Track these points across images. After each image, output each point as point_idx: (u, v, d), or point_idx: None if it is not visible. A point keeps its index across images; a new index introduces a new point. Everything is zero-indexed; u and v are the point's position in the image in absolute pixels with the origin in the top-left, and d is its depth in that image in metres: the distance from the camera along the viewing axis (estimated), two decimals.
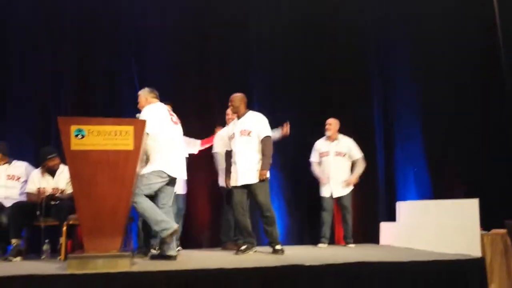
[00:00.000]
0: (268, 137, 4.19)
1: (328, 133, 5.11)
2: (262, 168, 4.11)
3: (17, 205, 4.08)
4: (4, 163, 4.40)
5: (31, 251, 4.22)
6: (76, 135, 3.24)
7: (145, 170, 3.60)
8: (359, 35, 6.06)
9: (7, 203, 4.17)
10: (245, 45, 5.86)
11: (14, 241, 3.88)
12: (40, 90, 5.33)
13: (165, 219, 3.52)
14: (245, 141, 4.18)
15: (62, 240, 3.92)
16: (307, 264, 3.14)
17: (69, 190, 4.18)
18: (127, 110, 4.88)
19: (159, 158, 3.61)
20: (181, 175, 3.84)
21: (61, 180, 4.30)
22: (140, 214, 3.60)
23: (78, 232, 3.98)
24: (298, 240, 5.48)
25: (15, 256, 3.80)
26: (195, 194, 5.31)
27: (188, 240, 5.05)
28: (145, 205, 3.51)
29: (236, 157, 4.20)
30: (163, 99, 3.95)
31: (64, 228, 3.95)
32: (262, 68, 5.85)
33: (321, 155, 5.15)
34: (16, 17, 5.36)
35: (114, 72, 5.54)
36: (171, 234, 3.50)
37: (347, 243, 5.01)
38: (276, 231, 4.19)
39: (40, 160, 4.34)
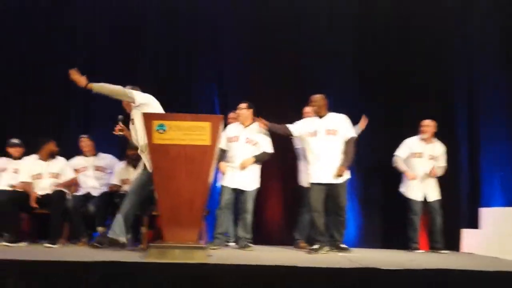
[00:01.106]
0: (353, 137, 4.28)
1: (425, 135, 4.91)
2: (342, 164, 4.15)
3: (103, 195, 4.35)
4: (92, 155, 4.72)
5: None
6: (158, 130, 3.39)
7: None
8: (441, 31, 5.72)
9: (94, 193, 4.49)
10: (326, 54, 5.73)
11: (100, 229, 4.16)
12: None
13: (122, 230, 3.70)
14: (331, 140, 4.23)
15: (144, 230, 4.14)
16: (384, 268, 3.03)
17: None
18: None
19: None
20: None
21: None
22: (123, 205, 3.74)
23: (158, 223, 4.17)
24: (371, 243, 5.31)
25: (100, 243, 4.06)
26: (269, 190, 5.33)
27: (261, 236, 5.09)
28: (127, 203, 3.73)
29: (320, 155, 4.23)
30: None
31: (146, 219, 4.17)
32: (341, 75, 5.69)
33: (413, 155, 4.93)
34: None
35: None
36: (111, 241, 3.71)
37: (437, 248, 4.75)
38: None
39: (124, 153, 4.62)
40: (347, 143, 4.25)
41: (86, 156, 4.73)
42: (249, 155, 4.35)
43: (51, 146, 4.54)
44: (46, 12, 5.77)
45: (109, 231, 3.78)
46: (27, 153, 4.68)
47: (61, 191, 4.37)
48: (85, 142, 4.72)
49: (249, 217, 4.34)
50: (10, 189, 4.48)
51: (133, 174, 4.54)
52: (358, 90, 5.65)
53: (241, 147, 4.37)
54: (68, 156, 4.74)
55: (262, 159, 4.42)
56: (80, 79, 3.57)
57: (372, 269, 3.03)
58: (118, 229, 3.70)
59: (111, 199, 4.32)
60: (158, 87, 5.49)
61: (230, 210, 4.49)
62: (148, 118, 3.41)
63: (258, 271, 2.96)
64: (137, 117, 3.69)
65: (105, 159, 4.78)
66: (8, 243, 3.96)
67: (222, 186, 4.40)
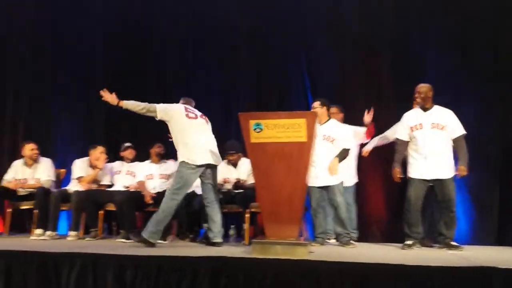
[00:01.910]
0: (464, 135, 4.06)
1: None
2: (461, 164, 3.98)
3: None
4: None
5: None
6: (255, 129, 3.46)
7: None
8: None
9: (199, 191, 4.71)
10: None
11: (205, 225, 4.36)
12: (222, 91, 5.86)
13: (159, 233, 3.86)
14: (438, 135, 4.04)
15: (246, 226, 4.27)
16: (502, 266, 2.78)
17: (250, 180, 4.50)
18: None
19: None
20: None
21: (243, 171, 4.67)
22: (160, 207, 3.87)
23: (259, 219, 4.27)
24: (483, 240, 4.87)
25: (206, 239, 4.26)
26: (374, 183, 5.18)
27: (366, 232, 4.97)
28: (165, 205, 3.86)
29: (425, 150, 4.05)
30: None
31: (247, 215, 4.30)
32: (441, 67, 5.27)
33: None
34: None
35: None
36: (147, 244, 3.79)
37: None
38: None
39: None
40: (458, 141, 4.04)
41: None
42: (326, 153, 4.23)
43: (157, 149, 4.85)
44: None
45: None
46: (138, 156, 5.07)
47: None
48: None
49: (342, 212, 4.23)
50: (125, 189, 4.89)
51: (234, 173, 4.70)
52: None
53: (318, 145, 4.27)
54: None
55: (344, 157, 4.28)
56: (112, 98, 3.93)
57: (489, 268, 2.80)
58: (151, 229, 3.86)
59: None
60: (255, 80, 5.70)
61: (324, 208, 4.43)
62: (245, 118, 3.50)
63: (361, 269, 2.90)
64: (170, 128, 4.04)
65: None
66: (125, 240, 4.32)
67: (309, 187, 4.35)
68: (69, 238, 4.56)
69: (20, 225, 5.22)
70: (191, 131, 3.98)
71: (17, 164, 5.08)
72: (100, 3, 6.18)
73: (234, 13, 5.88)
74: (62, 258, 3.26)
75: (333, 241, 4.56)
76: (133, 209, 4.52)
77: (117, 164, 5.15)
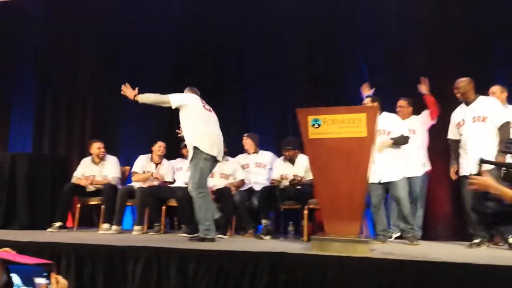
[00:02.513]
0: (507, 123, 3.80)
1: None
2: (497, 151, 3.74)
3: (266, 190, 4.58)
4: (254, 152, 5.02)
5: (278, 231, 4.68)
6: (313, 125, 3.43)
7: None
8: None
9: (257, 188, 4.76)
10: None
11: (264, 221, 4.39)
12: (278, 87, 5.85)
13: (211, 227, 3.83)
14: (480, 128, 3.86)
15: (304, 222, 4.26)
16: None
17: (308, 177, 4.48)
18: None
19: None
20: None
21: (300, 168, 4.65)
22: (195, 207, 3.86)
23: (317, 216, 4.24)
24: None
25: (265, 235, 4.28)
26: (440, 181, 4.97)
27: (432, 230, 4.79)
28: (198, 203, 3.87)
29: (468, 146, 3.90)
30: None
31: (306, 212, 4.28)
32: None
33: None
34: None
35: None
36: (207, 239, 3.78)
37: None
38: None
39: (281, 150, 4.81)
40: (501, 129, 3.80)
41: (248, 153, 5.04)
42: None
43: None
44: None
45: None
46: None
47: (229, 188, 4.72)
48: (246, 140, 5.03)
49: (405, 208, 4.07)
50: (186, 186, 5.02)
51: (291, 170, 4.69)
52: None
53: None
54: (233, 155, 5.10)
55: (401, 142, 4.12)
56: (130, 93, 3.96)
57: None
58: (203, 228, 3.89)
59: (272, 193, 4.52)
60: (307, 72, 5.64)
61: (384, 205, 4.30)
62: (303, 114, 3.47)
63: (425, 267, 2.79)
64: (181, 118, 3.99)
65: (265, 156, 5.03)
66: (186, 234, 4.44)
67: (370, 184, 4.23)
68: (134, 233, 4.75)
69: (88, 219, 5.51)
70: (208, 123, 3.98)
71: (86, 162, 5.36)
72: (162, 4, 6.35)
73: (291, 10, 5.85)
74: (128, 251, 3.41)
75: (396, 237, 4.41)
76: (193, 204, 4.62)
77: (178, 161, 5.31)
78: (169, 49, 6.24)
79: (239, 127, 5.61)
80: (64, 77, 6.56)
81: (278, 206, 4.57)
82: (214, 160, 3.93)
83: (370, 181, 3.95)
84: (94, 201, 5.16)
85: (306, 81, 5.73)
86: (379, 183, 4.13)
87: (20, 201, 4.96)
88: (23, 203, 4.95)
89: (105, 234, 4.66)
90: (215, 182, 4.82)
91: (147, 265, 3.30)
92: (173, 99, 3.93)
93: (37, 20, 6.74)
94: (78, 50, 6.59)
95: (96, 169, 5.27)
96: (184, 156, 5.23)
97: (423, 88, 4.51)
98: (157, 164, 5.22)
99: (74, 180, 5.23)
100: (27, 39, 6.76)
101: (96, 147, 5.27)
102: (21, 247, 3.60)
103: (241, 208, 4.55)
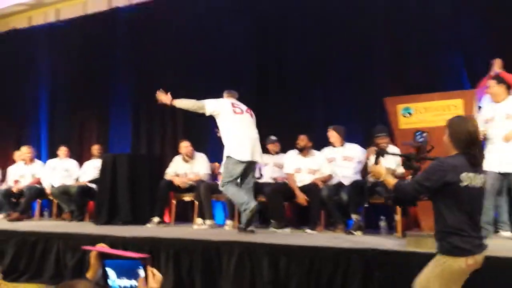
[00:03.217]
0: None
1: None
2: None
3: (355, 184, 4.45)
4: (340, 145, 4.89)
5: (368, 226, 4.54)
6: (403, 114, 3.27)
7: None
8: None
9: (345, 182, 4.64)
10: None
11: (354, 216, 4.28)
12: (360, 74, 5.64)
13: (246, 200, 4.05)
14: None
15: (398, 217, 4.08)
16: None
17: (399, 169, 4.27)
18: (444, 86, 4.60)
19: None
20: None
21: (391, 160, 4.43)
22: (231, 199, 4.25)
23: (411, 210, 4.04)
24: None
25: (356, 230, 4.17)
26: None
27: None
28: (230, 191, 4.14)
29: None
30: None
31: (399, 206, 4.09)
32: None
33: None
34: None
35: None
36: (251, 212, 3.99)
37: None
38: None
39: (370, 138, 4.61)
40: None
41: (334, 146, 4.93)
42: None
43: (301, 142, 4.88)
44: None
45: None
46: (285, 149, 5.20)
47: (315, 183, 4.66)
48: (331, 133, 4.92)
49: None
50: (273, 181, 5.07)
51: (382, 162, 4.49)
52: None
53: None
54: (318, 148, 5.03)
55: None
56: (166, 98, 4.22)
57: None
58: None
59: (362, 187, 4.39)
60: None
61: (494, 196, 3.94)
62: (392, 103, 3.33)
63: None
64: (217, 122, 4.29)
65: (353, 149, 4.88)
66: (276, 229, 4.48)
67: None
68: (226, 227, 4.90)
69: (184, 214, 5.78)
70: (237, 127, 4.18)
71: (177, 160, 5.62)
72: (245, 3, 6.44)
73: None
74: (222, 246, 3.53)
75: (507, 233, 4.05)
76: (281, 200, 4.66)
77: (264, 157, 5.35)
78: (251, 48, 6.29)
79: (323, 120, 5.52)
80: (154, 82, 6.89)
81: (368, 201, 4.42)
82: (247, 163, 4.19)
83: (488, 168, 3.66)
84: (187, 197, 5.41)
85: (392, 66, 5.45)
86: (498, 173, 3.80)
87: (122, 199, 5.34)
88: (124, 200, 5.33)
89: (199, 229, 4.85)
90: (302, 177, 4.79)
91: (240, 260, 3.39)
92: (207, 107, 4.20)
93: (126, 29, 7.19)
94: (166, 56, 6.88)
95: (187, 167, 5.51)
96: (270, 152, 5.28)
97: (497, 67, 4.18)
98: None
99: (167, 176, 5.49)
100: (119, 48, 7.24)
101: (184, 146, 5.51)
102: (124, 242, 3.90)
103: (329, 203, 4.48)
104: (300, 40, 6.00)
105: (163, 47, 6.89)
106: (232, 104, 4.28)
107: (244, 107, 4.37)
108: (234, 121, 4.20)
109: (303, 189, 4.65)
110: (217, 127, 4.38)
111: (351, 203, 4.35)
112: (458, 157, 2.17)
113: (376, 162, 2.59)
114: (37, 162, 6.67)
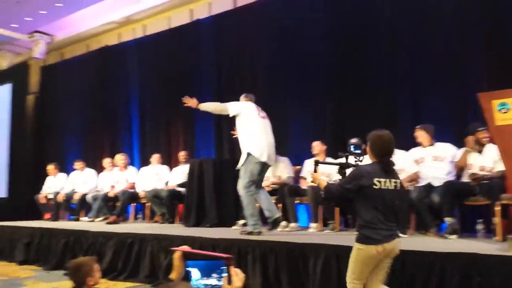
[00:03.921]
0: None
1: None
2: None
3: (449, 185, 4.19)
4: (429, 145, 4.64)
5: (464, 230, 4.27)
6: (500, 110, 3.05)
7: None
8: None
9: (436, 183, 4.39)
10: None
11: (448, 219, 4.03)
12: (454, 73, 5.34)
13: (259, 222, 4.27)
14: None
15: (497, 220, 3.78)
16: None
17: (497, 168, 3.97)
18: None
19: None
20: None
21: (490, 158, 4.14)
22: (243, 205, 4.30)
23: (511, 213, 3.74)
24: None
25: (450, 234, 3.94)
26: None
27: None
28: (247, 200, 4.25)
29: None
30: None
31: (497, 208, 3.80)
32: None
33: None
34: None
35: None
36: (276, 221, 4.36)
37: None
38: None
39: (469, 134, 4.35)
40: None
41: (423, 146, 4.69)
42: None
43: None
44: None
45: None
46: None
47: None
48: (419, 132, 4.68)
49: None
50: None
51: (479, 160, 4.21)
52: None
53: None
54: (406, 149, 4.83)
55: None
56: (193, 103, 4.45)
57: None
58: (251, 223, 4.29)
59: (456, 188, 4.13)
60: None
61: None
62: (486, 98, 3.11)
63: None
64: (237, 124, 4.43)
65: (444, 148, 4.60)
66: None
67: None
68: (310, 230, 4.88)
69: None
70: (260, 130, 4.33)
71: None
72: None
73: None
74: (307, 248, 3.52)
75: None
76: None
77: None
78: (334, 50, 6.21)
79: (409, 120, 5.30)
80: (236, 89, 7.05)
81: (463, 202, 4.15)
82: (264, 165, 4.33)
83: None
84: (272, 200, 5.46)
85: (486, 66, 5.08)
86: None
87: (209, 202, 5.55)
88: (211, 203, 5.53)
89: (284, 231, 4.88)
90: None
91: (326, 263, 3.35)
92: (231, 108, 4.36)
93: (208, 40, 7.46)
94: (247, 63, 7.02)
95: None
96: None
97: None
98: None
99: None
100: (202, 58, 7.52)
101: None
102: (213, 243, 4.03)
103: (419, 205, 4.27)
104: (388, 41, 5.81)
105: (244, 55, 7.05)
106: (256, 107, 4.46)
107: (263, 113, 4.51)
108: (258, 124, 4.36)
109: None
110: (235, 128, 4.54)
111: (444, 205, 4.11)
112: (373, 165, 2.63)
113: (315, 170, 3.00)
114: (131, 168, 7.15)
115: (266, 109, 5.76)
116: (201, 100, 5.93)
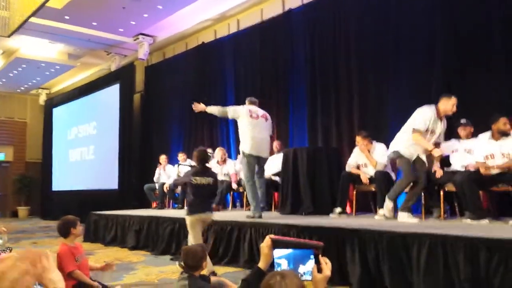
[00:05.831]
0: None
1: None
2: None
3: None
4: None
5: None
6: None
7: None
8: None
9: None
10: None
11: None
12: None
13: (257, 207, 5.00)
14: None
15: None
16: None
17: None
18: None
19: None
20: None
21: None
22: (248, 193, 5.11)
23: None
24: None
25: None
26: None
27: None
28: (248, 190, 5.08)
29: None
30: None
31: None
32: None
33: None
34: None
35: None
36: (253, 218, 4.91)
37: None
38: None
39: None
40: None
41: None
42: None
43: (501, 125, 4.29)
44: None
45: None
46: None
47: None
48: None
49: None
50: (462, 169, 4.60)
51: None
52: None
53: None
54: None
55: None
56: (201, 107, 5.21)
57: None
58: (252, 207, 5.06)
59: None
60: None
61: None
62: None
63: None
64: (238, 124, 5.16)
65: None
66: (471, 220, 4.05)
67: None
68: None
69: (365, 205, 5.67)
70: (251, 129, 4.99)
71: (356, 151, 5.55)
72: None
73: None
74: (409, 237, 3.34)
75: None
76: (476, 189, 4.19)
77: (453, 142, 4.89)
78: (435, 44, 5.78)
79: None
80: (330, 77, 6.92)
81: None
82: (257, 158, 5.05)
83: None
84: (368, 188, 5.31)
85: None
86: None
87: (304, 190, 5.53)
88: (306, 191, 5.50)
89: (381, 220, 4.69)
90: (496, 163, 4.26)
91: (431, 252, 3.16)
92: (229, 112, 5.10)
93: (301, 29, 7.39)
94: (339, 52, 6.85)
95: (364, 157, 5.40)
96: (460, 137, 4.81)
97: None
98: None
99: (348, 168, 5.48)
100: (295, 48, 7.49)
101: (359, 138, 5.46)
102: (310, 231, 4.02)
103: None
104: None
105: (335, 44, 6.88)
106: (250, 110, 5.09)
107: (260, 113, 5.17)
108: (249, 124, 5.01)
109: (501, 177, 4.10)
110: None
111: None
112: (195, 168, 4.21)
113: None
114: (229, 161, 7.39)
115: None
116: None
